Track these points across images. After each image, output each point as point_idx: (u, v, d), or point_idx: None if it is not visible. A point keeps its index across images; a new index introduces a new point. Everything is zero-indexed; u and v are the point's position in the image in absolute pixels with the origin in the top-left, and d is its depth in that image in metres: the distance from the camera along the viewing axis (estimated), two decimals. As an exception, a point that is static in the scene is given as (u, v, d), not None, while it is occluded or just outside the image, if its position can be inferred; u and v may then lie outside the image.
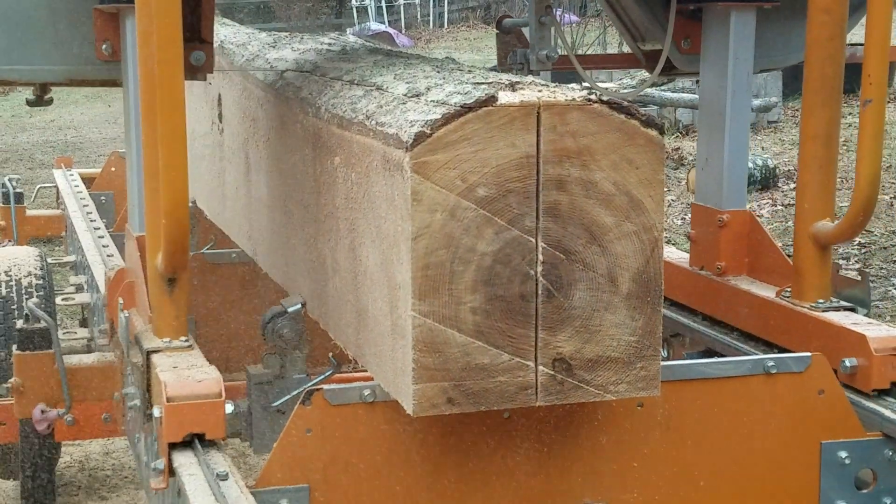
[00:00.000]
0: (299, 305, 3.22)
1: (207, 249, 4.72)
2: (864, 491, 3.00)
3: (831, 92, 3.28)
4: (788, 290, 3.42)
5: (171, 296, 2.97)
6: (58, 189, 6.81)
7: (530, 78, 2.66)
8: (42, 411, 3.69)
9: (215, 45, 4.43)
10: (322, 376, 3.22)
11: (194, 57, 3.36)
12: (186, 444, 2.67)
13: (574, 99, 2.45)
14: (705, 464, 2.89)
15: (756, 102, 14.37)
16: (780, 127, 15.21)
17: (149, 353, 2.96)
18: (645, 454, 2.85)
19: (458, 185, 2.41)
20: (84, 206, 5.89)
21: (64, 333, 5.00)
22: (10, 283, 4.87)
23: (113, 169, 6.79)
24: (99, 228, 5.27)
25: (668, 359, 3.97)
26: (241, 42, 4.30)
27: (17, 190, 6.62)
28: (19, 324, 3.73)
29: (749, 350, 3.43)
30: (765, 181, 11.68)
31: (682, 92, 14.76)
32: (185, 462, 2.61)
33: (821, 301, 3.31)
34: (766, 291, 3.50)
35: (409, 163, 2.38)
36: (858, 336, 3.10)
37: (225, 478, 2.52)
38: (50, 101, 3.86)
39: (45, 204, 8.94)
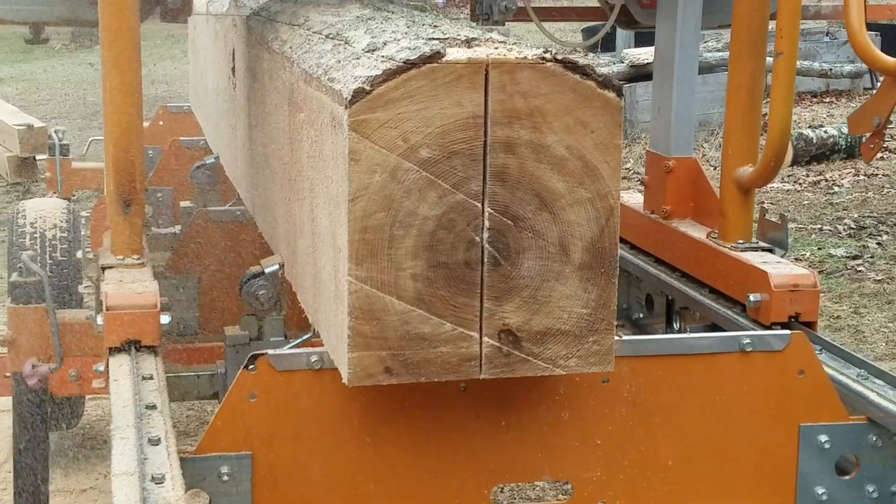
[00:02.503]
0: (277, 266, 3.15)
1: (230, 206, 4.65)
2: (846, 477, 2.85)
3: (755, 44, 3.44)
4: (717, 231, 3.61)
5: (126, 217, 3.19)
6: None
7: (492, 34, 2.54)
8: (33, 366, 3.66)
9: (231, -4, 4.37)
10: (299, 339, 3.14)
11: (171, 0, 3.39)
12: (125, 349, 2.89)
13: (526, 57, 2.32)
14: (675, 444, 2.76)
15: (847, 68, 14.00)
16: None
17: (103, 269, 3.17)
18: (609, 431, 2.73)
19: (399, 146, 2.30)
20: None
21: (85, 287, 4.99)
22: (35, 236, 4.85)
23: (161, 123, 6.75)
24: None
25: (680, 332, 3.85)
26: (254, -6, 4.22)
27: (63, 142, 6.60)
28: (13, 276, 3.70)
29: (749, 326, 3.29)
30: (850, 150, 11.34)
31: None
32: (119, 364, 2.81)
33: (741, 241, 3.48)
34: (699, 233, 3.67)
35: (348, 120, 2.28)
36: (762, 273, 3.25)
37: (150, 378, 2.73)
38: (46, 41, 3.87)
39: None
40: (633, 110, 11.79)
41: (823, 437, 2.81)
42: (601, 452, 2.73)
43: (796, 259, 8.33)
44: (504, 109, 2.32)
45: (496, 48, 2.38)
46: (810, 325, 3.21)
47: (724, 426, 2.77)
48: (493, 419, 2.67)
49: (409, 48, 2.37)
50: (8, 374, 3.81)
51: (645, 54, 12.23)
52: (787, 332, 2.82)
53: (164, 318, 2.96)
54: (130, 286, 3.02)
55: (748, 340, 2.77)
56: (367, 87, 2.28)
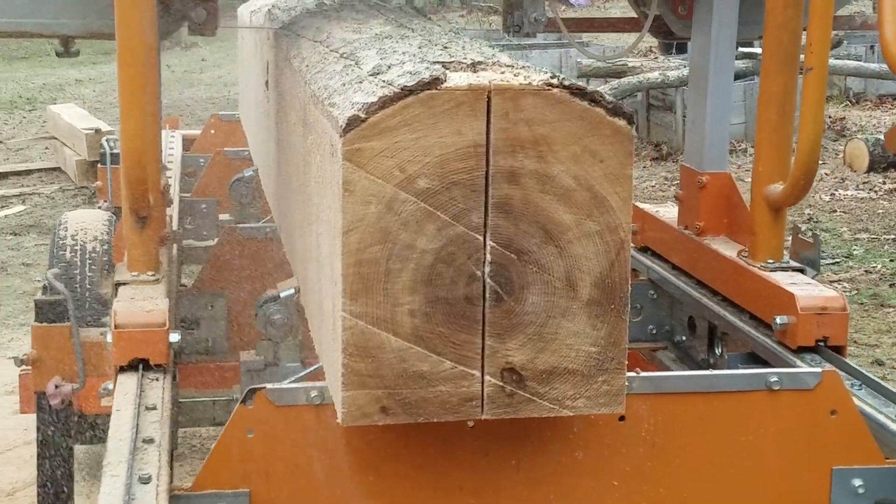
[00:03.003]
0: (292, 291, 3.05)
1: (264, 223, 4.58)
2: (882, 524, 2.70)
3: (786, 58, 3.32)
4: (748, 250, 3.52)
5: (142, 233, 3.16)
6: None
7: (501, 56, 2.42)
8: (56, 386, 3.60)
9: (266, 9, 4.30)
10: (315, 367, 3.04)
11: (196, 14, 3.34)
12: (134, 367, 2.85)
13: (530, 83, 2.20)
14: (696, 486, 2.62)
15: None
16: None
17: (117, 285, 3.15)
18: (626, 472, 2.60)
19: (395, 176, 2.19)
20: (166, 170, 5.78)
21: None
22: (76, 248, 4.80)
23: (212, 132, 6.70)
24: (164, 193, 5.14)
25: (720, 357, 3.71)
26: (287, 7, 4.13)
27: (115, 150, 6.56)
28: (38, 295, 3.64)
29: (789, 359, 3.13)
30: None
31: (848, 59, 14.09)
32: (124, 390, 2.73)
33: (770, 261, 3.37)
34: (730, 251, 3.55)
35: (342, 149, 2.18)
36: (789, 295, 3.14)
37: (153, 408, 2.66)
38: (77, 53, 3.81)
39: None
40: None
41: (857, 482, 2.65)
42: (618, 494, 2.60)
43: (866, 271, 8.11)
44: (507, 138, 2.20)
45: (502, 73, 2.27)
46: (839, 350, 3.09)
47: (751, 469, 2.63)
48: (503, 458, 2.55)
49: (411, 73, 2.25)
50: (34, 392, 3.75)
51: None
52: (819, 369, 2.67)
53: (174, 337, 2.92)
54: (141, 304, 2.98)
55: (775, 378, 2.62)
56: (363, 115, 2.18)
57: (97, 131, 11.09)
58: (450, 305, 2.23)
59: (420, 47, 2.62)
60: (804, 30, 3.21)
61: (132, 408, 2.65)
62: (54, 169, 11.74)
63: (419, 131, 2.18)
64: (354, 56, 2.73)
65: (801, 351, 3.09)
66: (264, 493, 2.48)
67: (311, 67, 2.93)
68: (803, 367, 2.82)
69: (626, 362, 2.31)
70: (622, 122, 2.23)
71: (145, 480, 2.34)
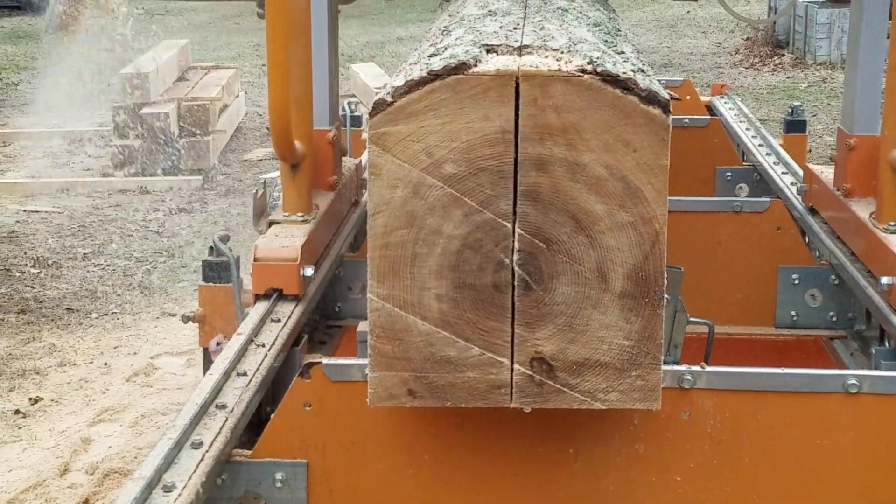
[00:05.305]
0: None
1: None
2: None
3: None
4: None
5: (294, 178, 3.41)
6: None
7: (562, 40, 2.36)
8: (218, 343, 3.74)
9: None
10: None
11: None
12: (268, 296, 3.12)
13: (560, 69, 2.16)
14: (764, 488, 2.51)
15: None
16: None
17: (270, 223, 3.41)
18: (690, 468, 2.51)
19: (422, 160, 2.19)
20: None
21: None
22: None
23: None
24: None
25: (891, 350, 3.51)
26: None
27: (355, 113, 6.73)
28: (206, 256, 3.80)
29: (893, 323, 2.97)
30: None
31: None
32: (256, 309, 3.05)
33: (892, 223, 3.33)
34: (865, 213, 3.46)
35: (369, 132, 2.19)
36: (893, 254, 3.10)
37: (244, 374, 2.74)
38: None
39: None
40: None
41: (947, 497, 2.49)
42: (681, 490, 2.52)
43: None
44: (535, 125, 2.16)
45: (545, 58, 2.22)
46: None
47: (824, 475, 2.49)
48: (560, 446, 2.51)
49: (450, 56, 2.24)
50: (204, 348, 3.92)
51: None
52: (902, 374, 2.51)
53: (308, 271, 3.15)
54: (281, 240, 3.19)
55: (854, 381, 2.48)
56: (389, 99, 2.19)
57: (387, 89, 11.38)
58: (477, 292, 2.22)
59: (501, 27, 2.59)
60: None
61: (216, 375, 2.73)
62: (351, 126, 12.11)
63: (446, 116, 2.18)
64: (448, 32, 2.72)
65: None
66: (321, 465, 2.54)
67: (421, 42, 2.94)
68: (887, 372, 2.64)
69: (662, 357, 2.24)
70: (657, 111, 2.15)
71: (196, 445, 2.42)
